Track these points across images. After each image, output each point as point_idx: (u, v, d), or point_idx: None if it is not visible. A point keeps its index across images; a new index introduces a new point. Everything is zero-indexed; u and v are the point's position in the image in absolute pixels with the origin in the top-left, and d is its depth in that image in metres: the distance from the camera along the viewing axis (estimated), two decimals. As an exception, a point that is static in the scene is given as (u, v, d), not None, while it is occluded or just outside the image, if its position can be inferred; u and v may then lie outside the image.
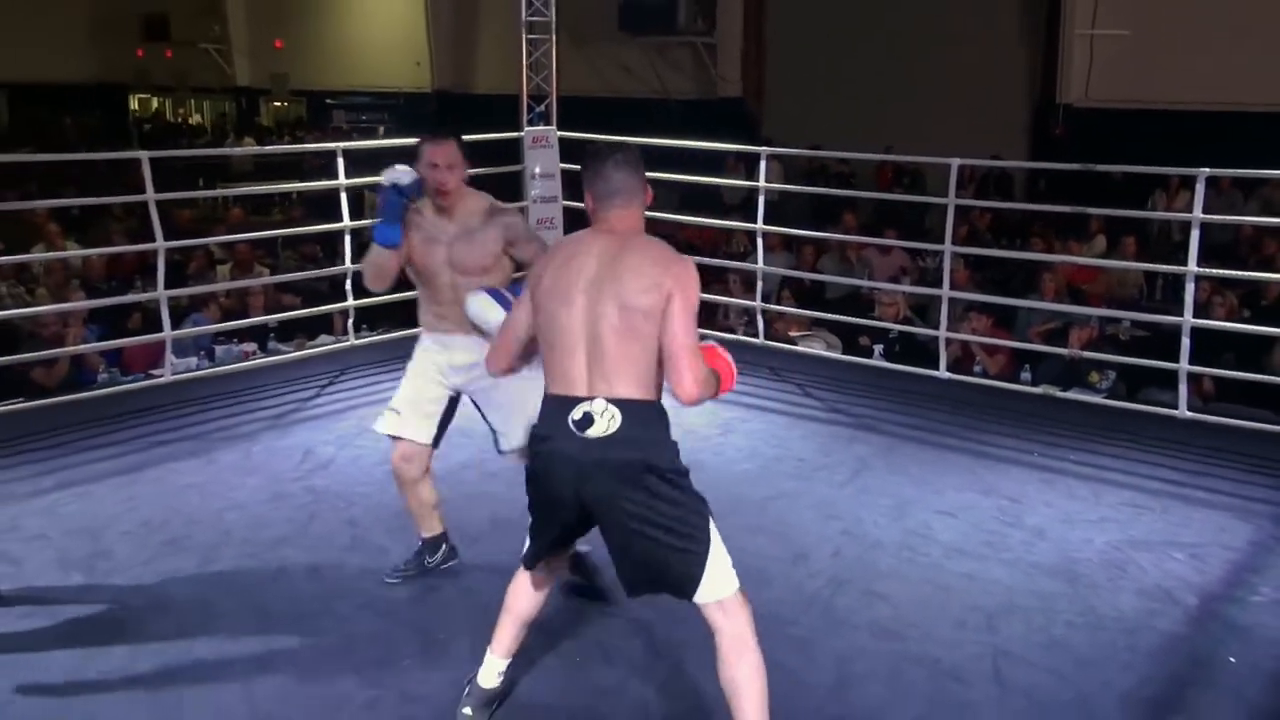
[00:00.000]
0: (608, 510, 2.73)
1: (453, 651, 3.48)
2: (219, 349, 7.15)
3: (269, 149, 15.41)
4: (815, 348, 7.15)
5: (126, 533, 4.31)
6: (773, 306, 7.34)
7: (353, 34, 21.15)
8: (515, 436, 3.74)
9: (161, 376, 6.16)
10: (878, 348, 7.06)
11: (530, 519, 2.93)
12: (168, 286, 6.17)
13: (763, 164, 7.05)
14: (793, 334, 7.30)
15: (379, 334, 7.17)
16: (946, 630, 3.66)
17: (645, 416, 2.75)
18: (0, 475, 4.82)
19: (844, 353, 7.12)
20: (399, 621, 3.67)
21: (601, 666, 3.42)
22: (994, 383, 6.40)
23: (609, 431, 2.68)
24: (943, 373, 6.35)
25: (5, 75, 22.58)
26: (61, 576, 3.93)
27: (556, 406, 2.72)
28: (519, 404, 3.66)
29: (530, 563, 2.98)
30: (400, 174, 3.62)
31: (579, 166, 2.96)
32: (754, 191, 7.20)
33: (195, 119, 24.91)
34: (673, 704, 3.24)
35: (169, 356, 6.23)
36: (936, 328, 6.51)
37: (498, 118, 8.86)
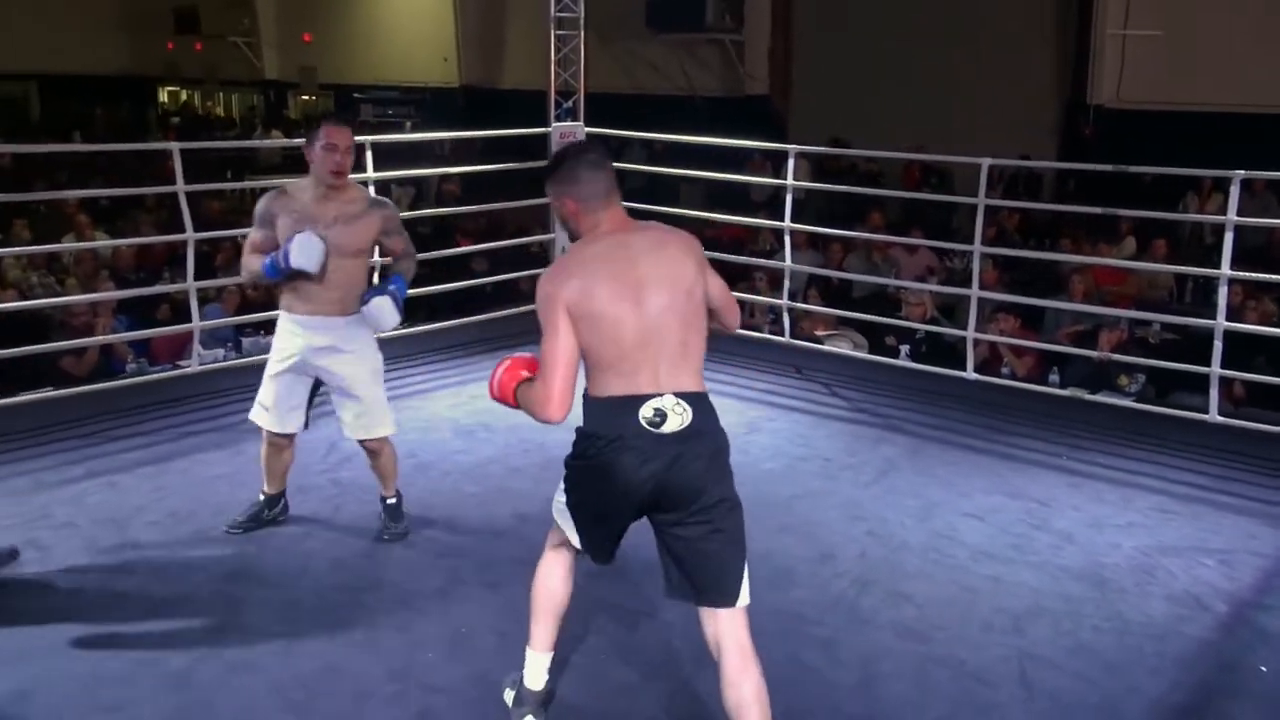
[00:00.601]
0: (683, 506, 2.69)
1: (477, 645, 3.50)
2: (245, 340, 7.17)
3: (297, 141, 15.48)
4: (841, 347, 7.12)
5: (154, 522, 4.34)
6: (799, 305, 7.32)
7: (381, 28, 21.22)
8: (358, 426, 4.13)
9: (189, 367, 6.20)
10: (904, 348, 7.03)
11: (576, 517, 2.85)
12: (195, 278, 6.20)
13: (791, 162, 7.02)
14: (819, 333, 7.27)
15: (407, 327, 7.17)
16: (973, 632, 3.64)
17: (709, 408, 2.74)
18: (30, 464, 4.86)
19: (870, 352, 7.09)
20: (423, 614, 3.68)
21: (621, 666, 3.42)
22: (1022, 384, 6.36)
23: (683, 426, 2.66)
24: (970, 374, 6.31)
25: (38, 67, 22.78)
26: (89, 565, 3.96)
27: (621, 407, 2.65)
28: (367, 393, 4.08)
29: (605, 558, 2.91)
30: (311, 257, 3.78)
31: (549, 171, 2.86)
32: (780, 190, 7.17)
33: (220, 111, 25.04)
34: (694, 705, 3.23)
35: (196, 347, 6.26)
36: (964, 328, 6.47)
37: (523, 113, 8.86)
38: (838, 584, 3.98)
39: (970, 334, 6.34)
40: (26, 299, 7.29)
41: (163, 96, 25.87)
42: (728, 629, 2.75)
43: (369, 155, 6.82)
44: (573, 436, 2.80)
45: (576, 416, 2.73)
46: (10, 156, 13.79)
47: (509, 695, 3.14)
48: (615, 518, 2.79)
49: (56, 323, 6.88)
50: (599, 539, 2.85)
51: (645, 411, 2.64)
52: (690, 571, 2.75)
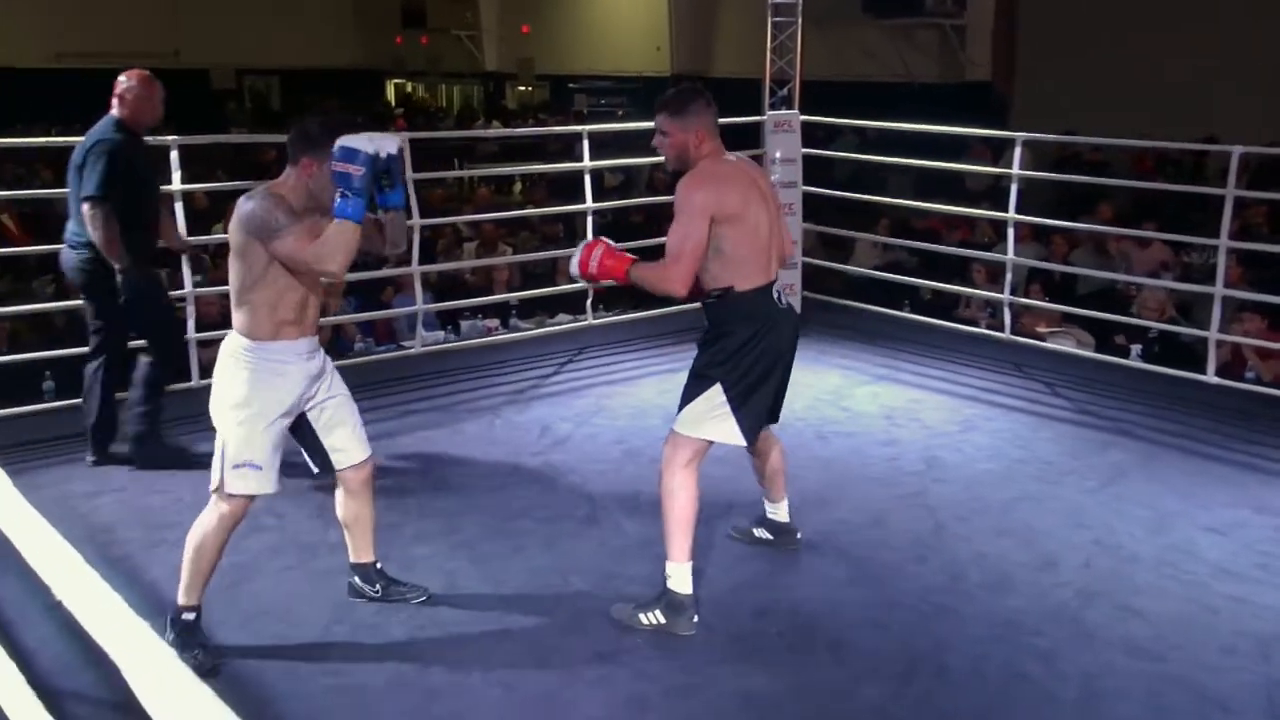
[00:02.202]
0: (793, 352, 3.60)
1: (685, 638, 3.47)
2: (464, 324, 7.44)
3: (517, 130, 15.90)
4: (1065, 345, 6.76)
5: (380, 490, 4.52)
6: (1020, 300, 7.00)
7: (596, 19, 21.60)
8: (353, 443, 3.45)
9: (412, 348, 6.46)
10: (1135, 347, 6.61)
11: (744, 403, 3.42)
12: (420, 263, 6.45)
13: (1017, 150, 6.71)
14: (1041, 330, 6.93)
15: (616, 314, 7.28)
16: (1212, 655, 3.38)
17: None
18: (268, 434, 5.16)
19: (1097, 351, 6.70)
20: (630, 600, 3.69)
21: (832, 667, 3.34)
22: (1269, 390, 5.87)
23: (789, 301, 3.57)
24: (1210, 377, 5.88)
25: (279, 62, 24.29)
26: (321, 532, 4.17)
27: (764, 293, 3.46)
28: (351, 404, 3.47)
29: (753, 439, 3.56)
30: (382, 143, 3.09)
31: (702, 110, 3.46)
32: (1000, 180, 6.87)
33: (441, 103, 26.03)
34: (904, 710, 3.12)
35: (419, 329, 6.53)
36: (1203, 328, 6.04)
37: (734, 101, 8.81)
38: (1059, 594, 3.78)
39: (1212, 334, 5.90)
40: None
41: (390, 89, 27.12)
42: (772, 434, 3.85)
43: (585, 144, 6.94)
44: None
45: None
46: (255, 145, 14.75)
47: (654, 615, 3.46)
48: (776, 383, 3.54)
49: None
50: (759, 419, 3.53)
51: (775, 294, 3.49)
52: (778, 403, 3.65)
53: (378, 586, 3.67)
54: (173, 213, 5.34)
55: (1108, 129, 8.38)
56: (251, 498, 3.28)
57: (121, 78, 4.72)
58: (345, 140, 3.05)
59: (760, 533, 4.08)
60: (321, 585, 3.79)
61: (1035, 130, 7.72)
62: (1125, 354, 6.57)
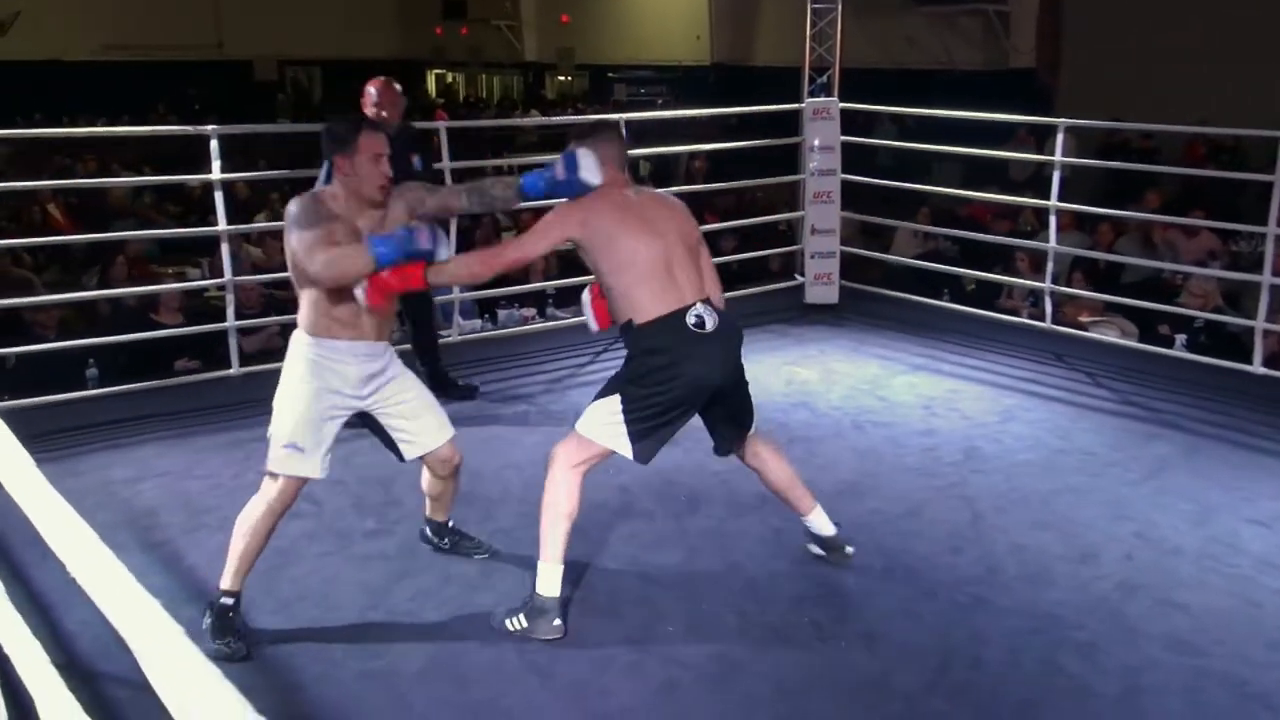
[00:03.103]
0: (736, 379, 3.49)
1: (717, 623, 3.47)
2: (501, 313, 7.45)
3: (554, 120, 15.92)
4: (1108, 335, 6.67)
5: (415, 484, 4.52)
6: (1062, 289, 6.90)
7: (635, 8, 21.56)
8: (426, 435, 3.55)
9: (449, 337, 6.49)
10: (1180, 337, 6.50)
11: (640, 426, 3.33)
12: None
13: (1059, 137, 6.62)
14: (1083, 319, 6.84)
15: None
16: (1258, 651, 3.32)
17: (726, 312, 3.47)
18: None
19: (1141, 341, 6.60)
20: (665, 588, 3.69)
21: (866, 657, 3.32)
22: (1318, 382, 5.76)
23: (718, 324, 3.35)
24: (1257, 368, 5.77)
25: (321, 52, 24.49)
26: (356, 521, 4.20)
27: (666, 322, 3.29)
28: (426, 399, 3.57)
29: (645, 460, 3.43)
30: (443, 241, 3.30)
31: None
32: (1043, 167, 6.78)
33: (482, 93, 26.12)
34: (939, 701, 3.09)
35: (456, 317, 6.55)
36: (1251, 318, 5.93)
37: (774, 90, 8.77)
38: (1100, 586, 3.72)
39: (1260, 324, 5.79)
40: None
41: (430, 79, 27.25)
42: (757, 440, 3.69)
43: (623, 133, 6.91)
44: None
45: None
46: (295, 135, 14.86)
47: (518, 620, 3.37)
48: (685, 414, 3.41)
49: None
50: (668, 431, 3.40)
51: (690, 319, 3.30)
52: (736, 425, 3.61)
53: (447, 540, 3.94)
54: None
55: (1156, 116, 8.24)
56: (299, 484, 3.36)
57: (369, 86, 5.27)
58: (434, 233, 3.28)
59: (814, 549, 3.88)
60: (358, 571, 3.81)
61: (1080, 118, 7.60)
62: (1170, 344, 6.47)
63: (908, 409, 5.50)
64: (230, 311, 5.78)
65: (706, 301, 3.37)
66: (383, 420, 3.53)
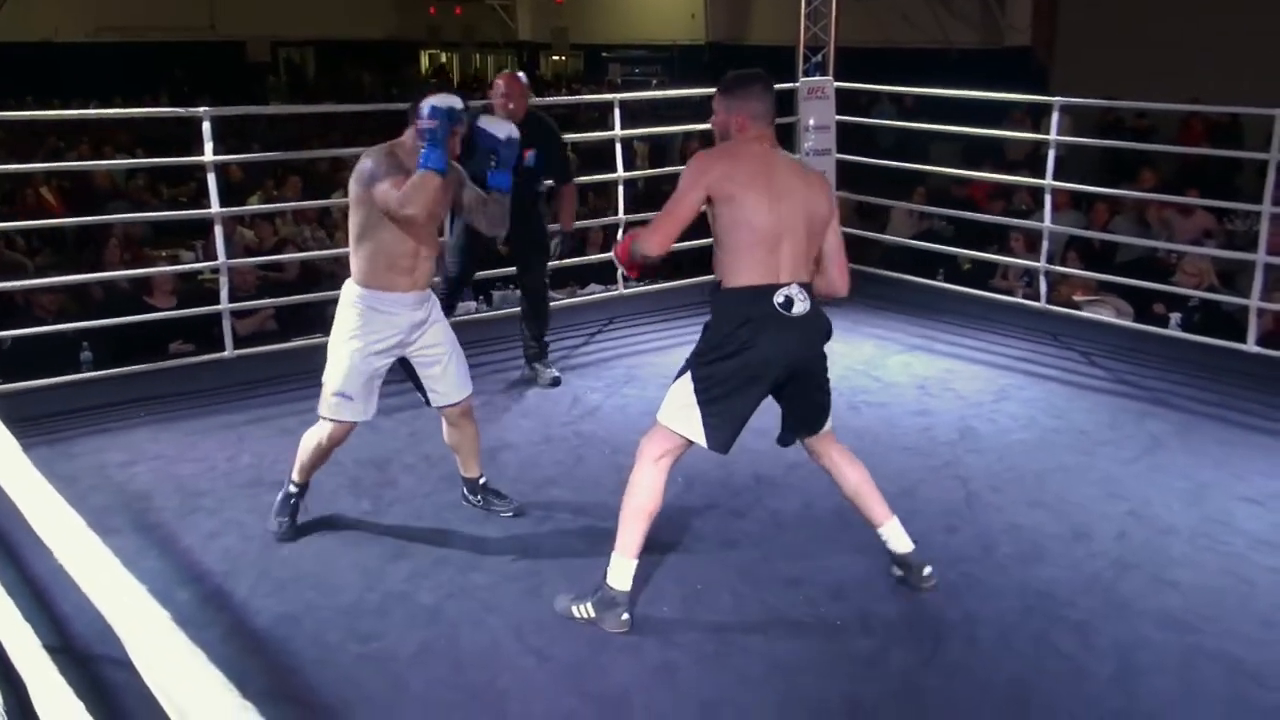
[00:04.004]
0: (812, 370, 3.33)
1: (712, 603, 3.49)
2: (496, 294, 7.44)
3: (548, 100, 15.84)
4: (1103, 314, 6.67)
5: (409, 465, 4.55)
6: (1057, 268, 6.90)
7: (630, -13, 21.46)
8: (451, 388, 3.85)
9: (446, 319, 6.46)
10: (1175, 316, 6.50)
11: (710, 403, 3.21)
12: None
13: (1055, 116, 6.60)
14: (1078, 298, 6.84)
15: (646, 284, 7.26)
16: (1250, 628, 3.34)
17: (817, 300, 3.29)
18: (301, 404, 5.18)
19: (1135, 320, 6.60)
20: (661, 568, 3.69)
21: (862, 636, 3.33)
22: (1311, 360, 5.77)
23: (807, 310, 3.20)
24: (1251, 346, 5.78)
25: (313, 33, 24.36)
26: (352, 503, 4.20)
27: (754, 293, 3.16)
28: (455, 350, 3.85)
29: (720, 447, 3.28)
30: (451, 100, 3.53)
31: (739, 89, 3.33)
32: (1039, 147, 6.76)
33: (484, 72, 26.00)
34: (933, 678, 3.11)
35: (451, 299, 6.53)
36: (1245, 296, 5.93)
37: (770, 69, 8.71)
38: (1093, 565, 3.74)
39: (1254, 303, 5.80)
40: (300, 252, 7.79)
41: (424, 60, 27.13)
42: (832, 443, 3.52)
43: (617, 113, 6.90)
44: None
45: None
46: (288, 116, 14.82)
47: (585, 608, 3.34)
48: (755, 394, 3.25)
49: (326, 273, 7.32)
50: (730, 426, 3.25)
51: (778, 298, 3.16)
52: (811, 416, 3.43)
53: (479, 497, 4.12)
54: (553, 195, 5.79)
55: (1151, 95, 8.22)
56: (350, 426, 3.76)
57: (497, 80, 5.37)
58: (430, 99, 3.47)
59: (895, 570, 3.58)
60: (353, 553, 3.82)
61: (1076, 96, 7.58)
62: (1164, 323, 6.47)
63: (903, 389, 5.50)
64: (224, 294, 5.76)
65: (805, 286, 3.21)
66: (418, 368, 3.81)
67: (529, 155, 5.22)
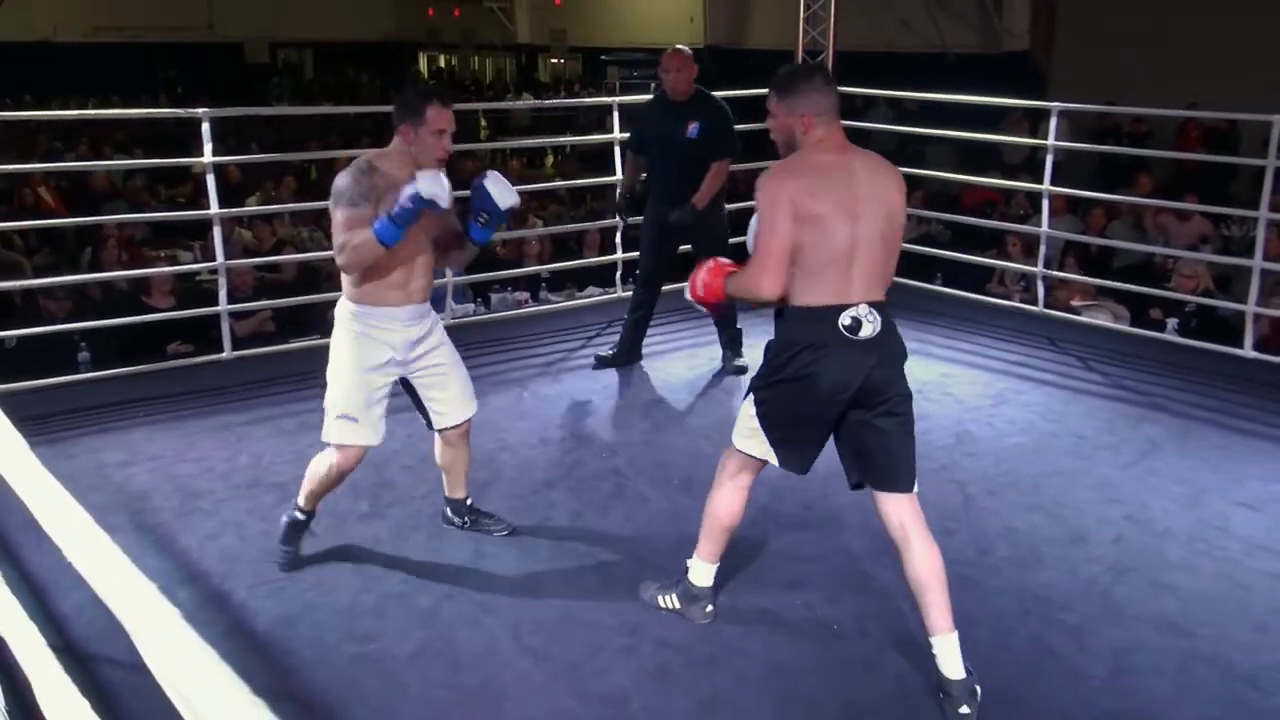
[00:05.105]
0: (881, 400, 2.96)
1: (711, 604, 3.48)
2: (494, 296, 7.45)
3: (547, 103, 15.87)
4: (1100, 319, 6.69)
5: (408, 466, 4.55)
6: (1054, 273, 6.92)
7: (629, -10, 21.47)
8: (454, 408, 3.70)
9: (442, 320, 6.46)
10: (1171, 321, 6.52)
11: (774, 427, 3.05)
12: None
13: (1053, 121, 6.62)
14: (1075, 303, 6.86)
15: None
16: (1244, 633, 3.35)
17: (890, 317, 2.99)
18: (298, 406, 5.20)
19: (1132, 325, 6.62)
20: (657, 570, 3.69)
21: (858, 640, 3.33)
22: (1307, 365, 5.78)
23: (875, 333, 2.92)
24: (1248, 351, 5.80)
25: (312, 34, 24.38)
26: (350, 504, 4.20)
27: (823, 315, 2.90)
28: (457, 369, 3.70)
29: (797, 468, 3.11)
30: (438, 191, 3.23)
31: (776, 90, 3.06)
32: (1037, 151, 6.78)
33: (484, 76, 26.01)
34: (929, 681, 3.11)
35: (449, 301, 6.55)
36: (1242, 301, 5.95)
37: (768, 73, 8.74)
38: (1090, 569, 3.75)
39: (1250, 308, 5.82)
40: (299, 253, 7.79)
41: (422, 62, 27.13)
42: (910, 512, 3.02)
43: (615, 116, 6.91)
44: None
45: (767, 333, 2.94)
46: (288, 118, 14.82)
47: (670, 598, 3.39)
48: (818, 422, 3.00)
49: (324, 275, 7.33)
50: (801, 451, 3.06)
51: (844, 320, 2.89)
52: (878, 460, 3.00)
53: (466, 519, 3.98)
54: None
55: (1149, 100, 8.24)
56: (359, 450, 3.55)
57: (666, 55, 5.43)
58: (419, 181, 3.22)
59: (939, 694, 3.00)
60: (351, 555, 3.82)
61: (1074, 101, 7.60)
62: (1161, 328, 6.49)
63: (900, 392, 5.50)
64: (222, 295, 5.77)
65: (877, 306, 2.93)
66: (419, 388, 3.66)
67: (692, 128, 5.35)
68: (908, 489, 3.01)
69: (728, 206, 5.75)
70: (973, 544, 3.91)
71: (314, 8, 23.45)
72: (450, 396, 3.68)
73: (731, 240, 5.41)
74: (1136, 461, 4.65)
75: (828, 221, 2.86)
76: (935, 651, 2.98)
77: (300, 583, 3.62)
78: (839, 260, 2.88)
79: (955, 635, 2.96)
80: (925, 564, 2.97)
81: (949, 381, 5.66)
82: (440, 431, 3.77)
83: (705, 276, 3.16)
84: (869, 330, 2.90)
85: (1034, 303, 6.76)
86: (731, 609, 3.47)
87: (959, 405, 5.33)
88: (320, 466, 3.62)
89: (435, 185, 3.21)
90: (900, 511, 3.00)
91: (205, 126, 5.58)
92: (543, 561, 3.79)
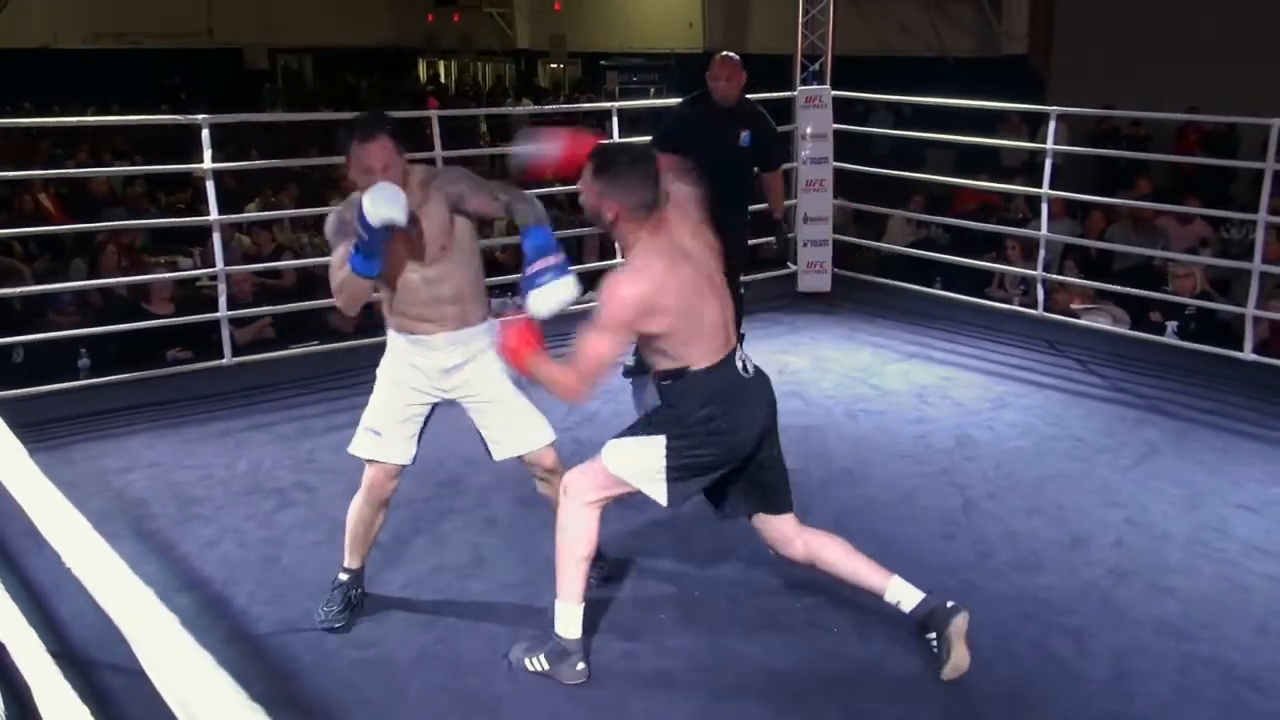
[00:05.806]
0: (772, 434, 3.11)
1: (709, 610, 3.49)
2: (494, 301, 7.39)
3: (547, 109, 15.88)
4: (1100, 321, 6.69)
5: (408, 471, 4.52)
6: (1054, 276, 6.92)
7: (628, -4, 21.50)
8: (508, 438, 3.42)
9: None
10: (1171, 324, 6.52)
11: (681, 476, 3.01)
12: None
13: (1052, 124, 6.63)
14: (1075, 306, 6.86)
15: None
16: (1244, 634, 3.35)
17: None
18: (299, 411, 5.21)
19: (1132, 328, 6.62)
20: (657, 577, 3.70)
21: (858, 644, 3.33)
22: (1306, 368, 5.78)
23: (754, 366, 3.07)
24: (1247, 354, 5.81)
25: (311, 40, 24.43)
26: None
27: (723, 366, 2.95)
28: (509, 398, 3.41)
29: (681, 504, 3.12)
30: (395, 209, 2.97)
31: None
32: (1036, 155, 6.79)
33: (484, 81, 26.04)
34: (929, 685, 3.11)
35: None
36: (1241, 304, 5.96)
37: (768, 77, 8.75)
38: (1090, 572, 3.75)
39: (1250, 311, 5.82)
40: (298, 259, 7.80)
41: (421, 68, 27.18)
42: (794, 525, 3.20)
43: (614, 121, 6.92)
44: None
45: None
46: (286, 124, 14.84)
47: (538, 660, 3.12)
48: (730, 467, 3.05)
49: (323, 281, 7.32)
50: (696, 489, 3.08)
51: (738, 365, 2.98)
52: (776, 488, 3.16)
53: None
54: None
55: (1148, 104, 8.25)
56: (385, 470, 3.37)
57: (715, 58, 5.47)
58: (365, 199, 2.98)
59: (928, 639, 3.13)
60: (350, 560, 3.81)
61: (1072, 105, 7.61)
62: (1161, 331, 6.49)
63: (900, 397, 5.51)
64: (222, 301, 5.77)
65: (740, 340, 3.10)
66: (470, 415, 3.44)
67: (744, 136, 5.36)
68: (790, 509, 3.20)
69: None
70: (973, 547, 3.91)
71: (313, 14, 23.51)
72: (497, 425, 3.41)
73: (731, 240, 5.39)
74: (1136, 464, 4.65)
75: (689, 302, 2.86)
76: (896, 600, 3.12)
77: (300, 589, 3.62)
78: (712, 322, 2.93)
79: (896, 575, 3.14)
80: (835, 547, 3.18)
81: (949, 385, 5.66)
82: (526, 462, 3.48)
83: (514, 342, 3.02)
84: (751, 365, 3.05)
85: (1033, 306, 6.76)
86: (730, 613, 3.47)
87: (959, 409, 5.33)
88: (353, 508, 3.44)
89: (381, 204, 2.95)
90: (792, 528, 3.19)
91: (205, 133, 5.59)
92: (543, 566, 3.78)
